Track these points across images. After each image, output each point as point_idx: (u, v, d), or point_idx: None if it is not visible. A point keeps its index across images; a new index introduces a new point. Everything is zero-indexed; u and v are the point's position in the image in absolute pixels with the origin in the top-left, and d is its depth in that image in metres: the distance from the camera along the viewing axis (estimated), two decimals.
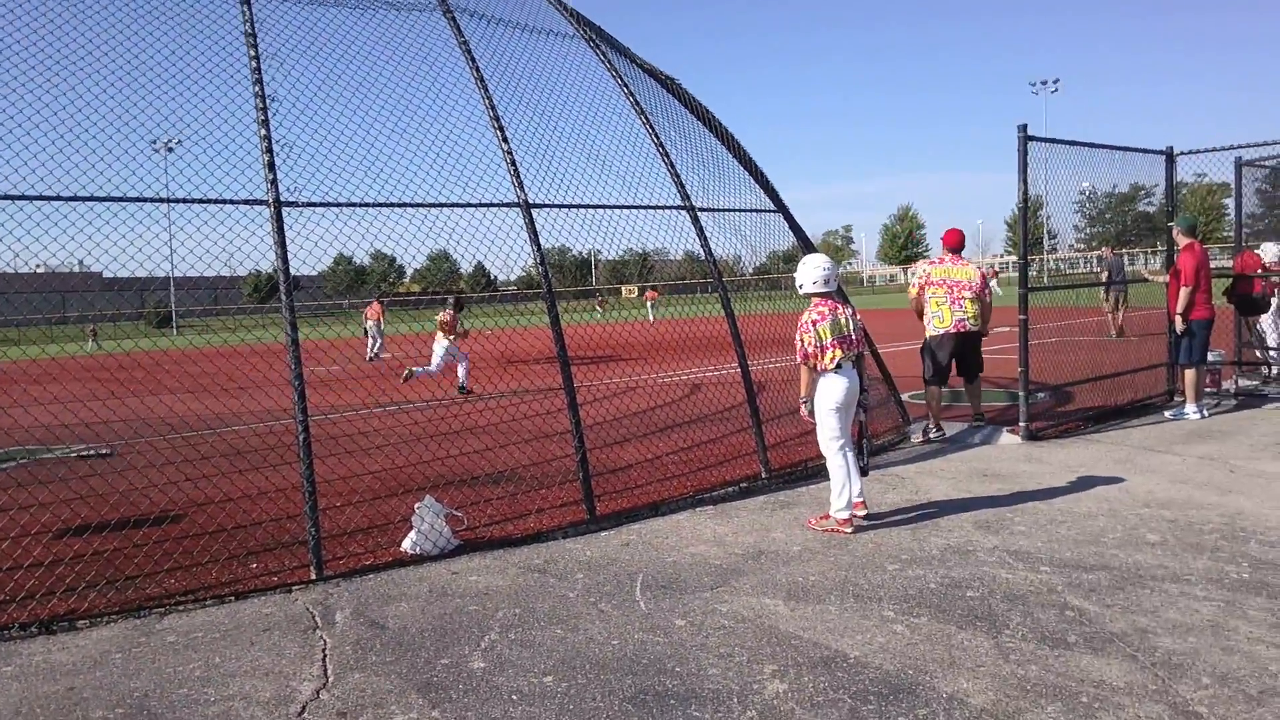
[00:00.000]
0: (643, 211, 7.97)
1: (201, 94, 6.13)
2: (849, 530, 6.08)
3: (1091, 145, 10.12)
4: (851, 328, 6.22)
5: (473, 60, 7.20)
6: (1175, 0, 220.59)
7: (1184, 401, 10.13)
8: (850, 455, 6.23)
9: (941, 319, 9.35)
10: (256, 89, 6.02)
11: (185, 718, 3.84)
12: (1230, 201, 12.44)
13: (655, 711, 3.72)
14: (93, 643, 4.69)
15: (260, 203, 5.88)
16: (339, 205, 6.24)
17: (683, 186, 8.14)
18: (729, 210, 8.93)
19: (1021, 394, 9.15)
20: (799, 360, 6.28)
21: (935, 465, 8.13)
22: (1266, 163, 12.60)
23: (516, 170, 7.00)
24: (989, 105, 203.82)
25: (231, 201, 5.84)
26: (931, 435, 9.20)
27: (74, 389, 14.37)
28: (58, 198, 5.32)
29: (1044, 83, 77.50)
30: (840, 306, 6.30)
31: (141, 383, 14.26)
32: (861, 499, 6.35)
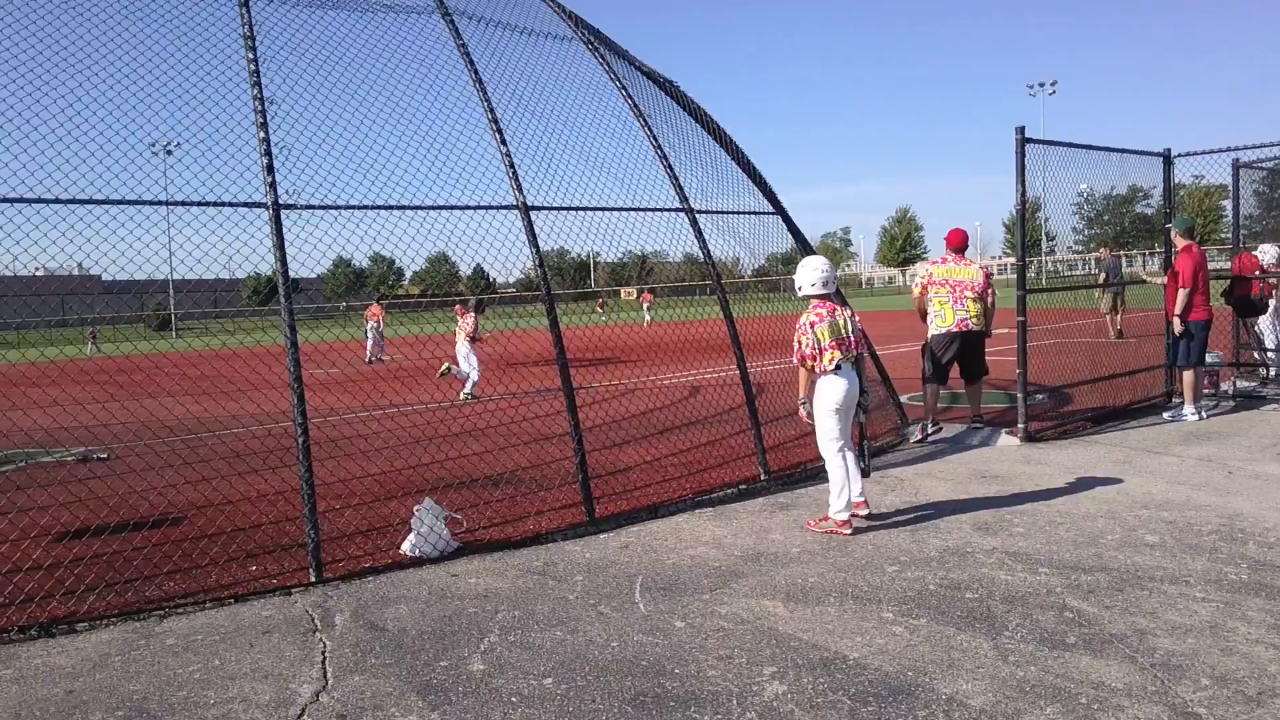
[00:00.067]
0: (641, 214, 7.98)
1: (200, 97, 6.14)
2: (848, 532, 6.09)
3: (1089, 147, 10.14)
4: (850, 329, 6.23)
5: (471, 63, 7.21)
6: (1173, 2, 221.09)
7: (1182, 403, 10.15)
8: (849, 457, 6.24)
9: (944, 318, 9.38)
10: (255, 92, 6.03)
11: None
12: (1228, 203, 12.43)
13: (655, 713, 3.72)
14: (92, 645, 4.69)
15: (259, 205, 5.88)
16: (338, 208, 6.25)
17: (681, 189, 8.14)
18: (727, 212, 8.94)
19: (1020, 395, 9.16)
20: (796, 361, 6.30)
21: (934, 467, 8.13)
22: (1264, 164, 12.61)
23: (515, 172, 7.01)
24: (986, 107, 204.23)
25: (230, 204, 5.84)
26: (929, 431, 9.23)
27: (74, 392, 14.36)
28: (56, 200, 5.32)
29: (1041, 84, 77.59)
30: (839, 308, 6.32)
31: (141, 385, 14.25)
32: (863, 499, 6.37)
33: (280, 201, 5.91)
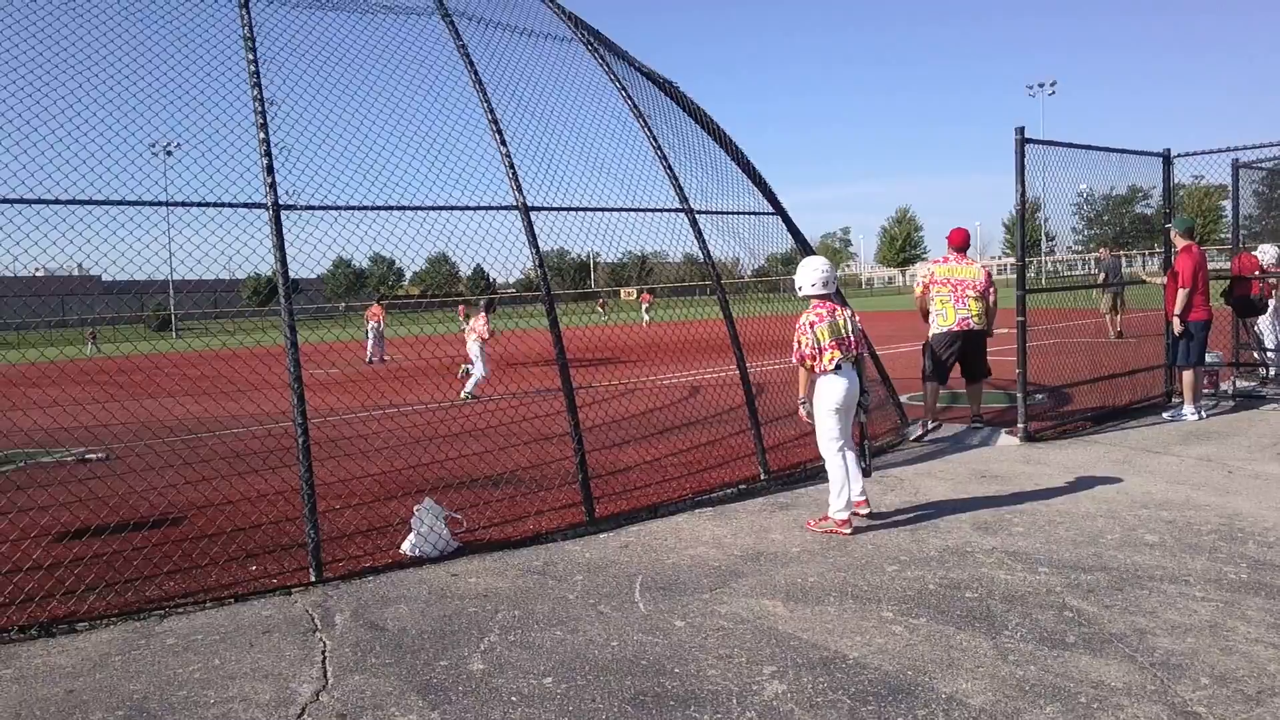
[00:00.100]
0: (641, 214, 7.99)
1: (200, 98, 6.14)
2: (848, 531, 6.10)
3: (1089, 148, 10.14)
4: (850, 329, 6.24)
5: (471, 64, 7.21)
6: (1173, 2, 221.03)
7: (1182, 403, 10.15)
8: (850, 456, 6.25)
9: (945, 317, 9.42)
10: (255, 93, 6.03)
11: None
12: (1228, 203, 12.44)
13: (655, 712, 3.73)
14: (92, 645, 4.69)
15: (259, 206, 5.89)
16: (338, 208, 6.25)
17: (681, 189, 8.15)
18: (727, 213, 8.95)
19: (1020, 395, 9.17)
20: (795, 361, 6.31)
21: (934, 466, 8.14)
22: (1263, 164, 12.61)
23: (515, 173, 7.01)
24: (986, 107, 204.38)
25: (230, 205, 5.85)
26: (928, 426, 9.28)
27: (74, 392, 14.36)
28: (56, 201, 5.33)
29: (1041, 85, 77.57)
30: (839, 308, 6.34)
31: (141, 386, 14.26)
32: (864, 498, 6.39)
33: (280, 202, 5.92)
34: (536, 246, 6.91)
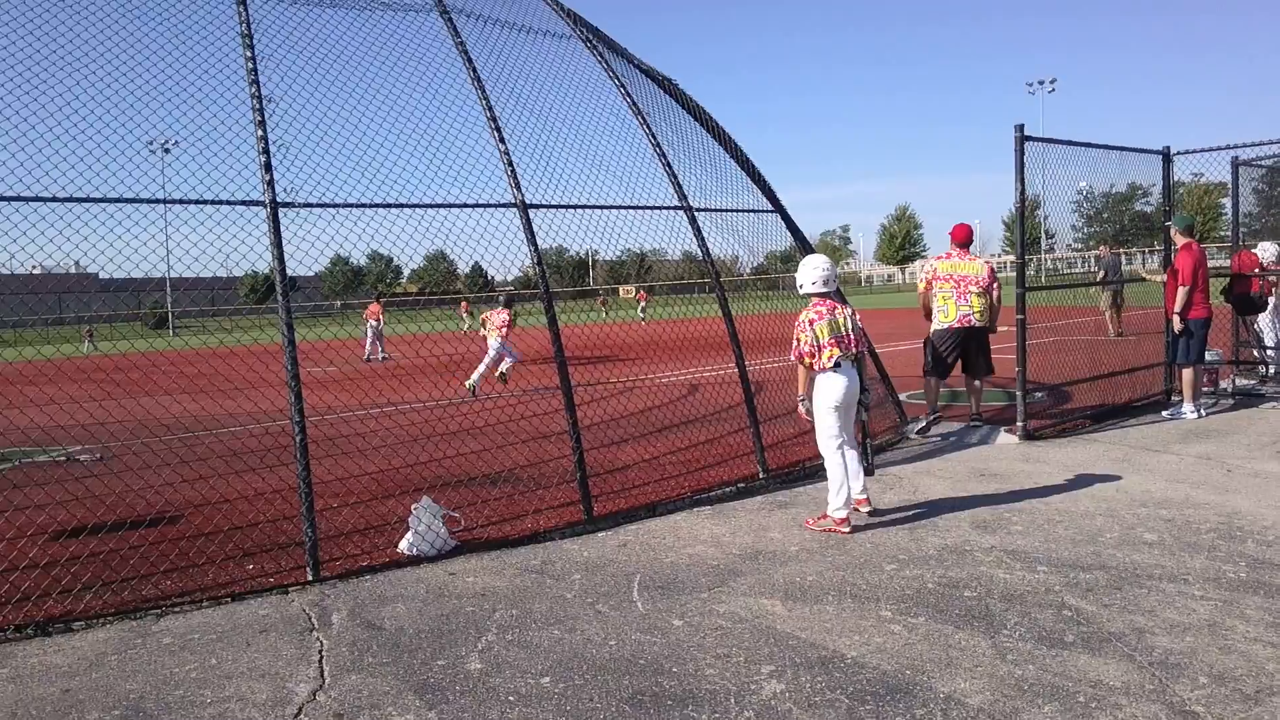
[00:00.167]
0: (640, 212, 7.97)
1: (198, 95, 6.12)
2: (846, 530, 6.09)
3: (1088, 145, 10.12)
4: (849, 328, 6.23)
5: (469, 61, 7.20)
6: (1172, 2, 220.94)
7: (1181, 401, 10.14)
8: (849, 454, 6.25)
9: (946, 313, 9.43)
10: (253, 90, 6.01)
11: (181, 719, 3.83)
12: (1227, 201, 12.44)
13: (653, 712, 3.72)
14: (89, 644, 4.68)
15: (257, 203, 5.87)
16: (335, 206, 6.23)
17: (680, 187, 8.13)
18: (726, 210, 8.93)
19: (1019, 393, 9.16)
20: (794, 359, 6.31)
21: (933, 465, 8.13)
22: (1263, 162, 12.61)
23: (514, 170, 7.00)
24: (986, 105, 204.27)
25: (228, 202, 5.83)
26: (931, 418, 9.35)
27: (70, 390, 14.34)
28: (54, 199, 5.31)
29: (1040, 83, 77.52)
30: (839, 306, 6.33)
31: (138, 384, 14.24)
32: (865, 496, 6.40)
33: (278, 199, 5.90)
34: (535, 244, 6.90)
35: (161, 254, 6.50)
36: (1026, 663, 4.03)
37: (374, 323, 25.03)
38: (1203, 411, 10.00)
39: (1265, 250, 11.82)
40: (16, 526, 6.65)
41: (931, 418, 9.37)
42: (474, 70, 7.16)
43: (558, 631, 4.62)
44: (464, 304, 41.60)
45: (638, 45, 9.14)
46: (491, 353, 15.45)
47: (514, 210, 6.92)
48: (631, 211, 7.89)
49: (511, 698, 3.90)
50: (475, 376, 14.87)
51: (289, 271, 5.87)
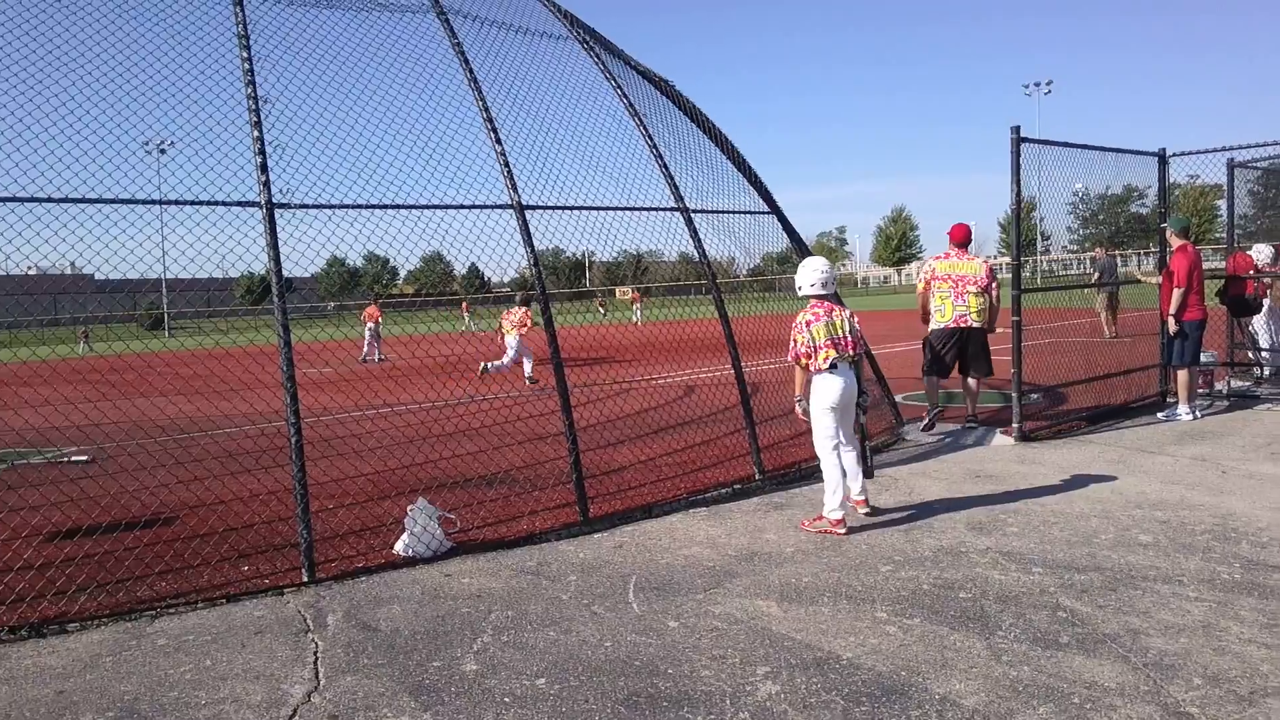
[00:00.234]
0: (637, 213, 7.97)
1: (194, 96, 6.12)
2: (842, 531, 6.09)
3: (1084, 147, 10.14)
4: (846, 329, 6.25)
5: (466, 62, 7.19)
6: (1168, 2, 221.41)
7: (1177, 403, 10.16)
8: (845, 456, 6.27)
9: (943, 313, 9.51)
10: (249, 90, 6.00)
11: None
12: (1223, 203, 12.48)
13: (648, 713, 3.72)
14: (83, 646, 4.67)
15: (253, 204, 5.86)
16: (332, 207, 6.23)
17: (676, 188, 8.14)
18: (723, 212, 8.94)
19: (1015, 395, 9.17)
20: (791, 360, 6.32)
21: (928, 466, 8.14)
22: (1259, 164, 12.65)
23: (510, 172, 7.00)
24: (982, 107, 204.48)
25: (224, 203, 5.82)
26: (932, 415, 9.53)
27: (66, 391, 14.32)
28: (49, 199, 5.30)
29: (1037, 84, 77.64)
30: (836, 308, 6.35)
31: (133, 385, 14.22)
32: (863, 497, 6.43)
33: (274, 200, 5.89)
34: (531, 245, 6.90)
35: (157, 255, 6.49)
36: (1021, 664, 4.03)
37: (372, 325, 25.04)
38: (1198, 413, 10.02)
39: (1260, 252, 11.85)
40: (11, 528, 6.63)
41: (934, 413, 9.51)
42: (470, 71, 7.16)
43: (553, 633, 4.62)
44: (464, 304, 41.62)
45: (638, 45, 9.15)
46: (511, 351, 15.59)
47: (510, 211, 6.92)
48: (628, 213, 7.89)
49: (507, 699, 3.90)
50: (494, 365, 14.99)
51: (285, 272, 5.86)
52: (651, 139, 8.19)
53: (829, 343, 6.14)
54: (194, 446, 10.32)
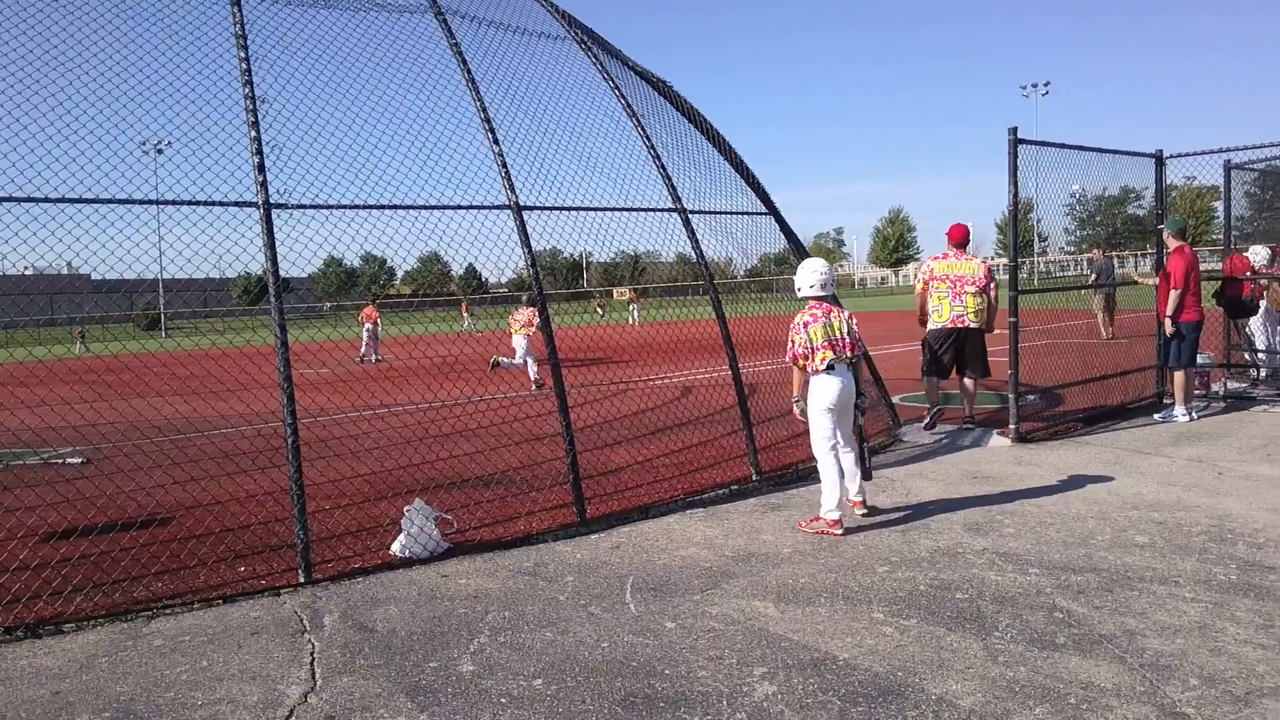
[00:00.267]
0: (634, 214, 7.98)
1: (191, 95, 6.12)
2: (839, 532, 6.10)
3: (1081, 148, 10.15)
4: (844, 331, 6.26)
5: (464, 62, 7.19)
6: (1164, 3, 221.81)
7: (1173, 404, 10.17)
8: (845, 457, 6.29)
9: (940, 313, 9.56)
10: (246, 90, 6.00)
11: None
12: (1219, 204, 12.49)
13: (645, 714, 3.72)
14: (79, 646, 4.66)
15: (250, 205, 5.86)
16: (329, 207, 6.23)
17: (674, 189, 8.14)
18: (720, 213, 8.94)
19: (1011, 396, 9.18)
20: (789, 361, 6.34)
21: (925, 467, 8.14)
22: (1255, 165, 12.66)
23: (508, 172, 7.00)
24: (979, 108, 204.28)
25: (221, 204, 5.82)
26: (932, 415, 9.62)
27: (62, 391, 14.30)
28: (46, 199, 5.29)
29: (1034, 85, 77.63)
30: (835, 310, 6.37)
31: (130, 385, 14.21)
32: (860, 498, 6.44)
33: (271, 201, 5.89)
34: (529, 246, 6.90)
35: (154, 255, 6.47)
36: (1018, 664, 4.04)
37: (370, 325, 25.05)
38: (1194, 414, 10.04)
39: (1257, 254, 11.87)
40: (7, 529, 6.62)
41: (934, 412, 9.61)
42: (468, 72, 7.16)
43: (550, 633, 4.61)
44: (464, 305, 41.62)
45: (637, 45, 9.15)
46: (520, 352, 15.71)
47: (508, 212, 6.92)
48: (626, 213, 7.90)
49: (503, 700, 3.90)
50: (506, 361, 15.08)
51: (282, 273, 5.86)
52: (649, 139, 8.19)
53: (826, 344, 6.16)
54: (190, 447, 10.31)
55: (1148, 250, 12.64)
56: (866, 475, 6.47)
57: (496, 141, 7.04)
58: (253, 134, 5.92)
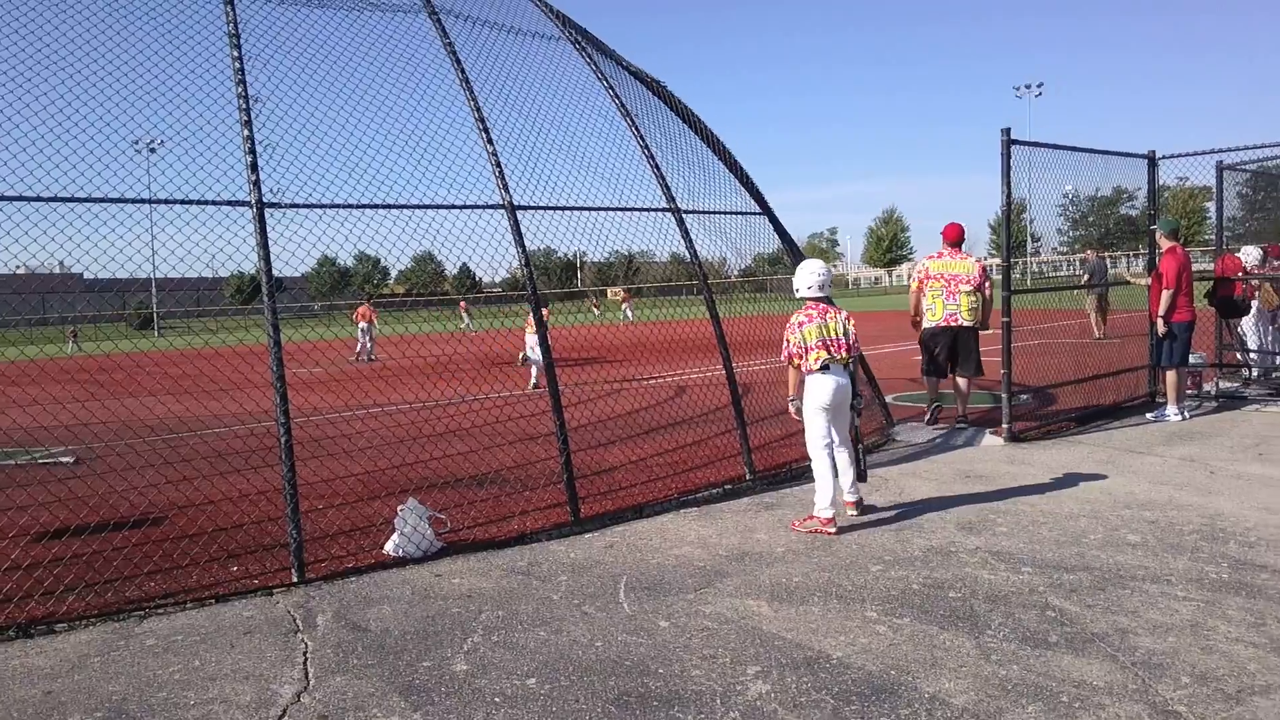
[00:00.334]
0: (628, 214, 7.97)
1: (184, 94, 6.10)
2: (832, 530, 6.11)
3: (1074, 149, 10.18)
4: (840, 332, 6.29)
5: (458, 62, 7.18)
6: (1158, 4, 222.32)
7: (1165, 403, 10.21)
8: (840, 456, 6.33)
9: (934, 312, 9.62)
10: (239, 89, 5.99)
11: None
12: (1212, 205, 12.53)
13: (638, 713, 3.72)
14: (71, 646, 4.65)
15: (243, 204, 5.84)
16: (322, 206, 6.21)
17: (668, 189, 8.14)
18: (714, 212, 8.94)
19: (1004, 395, 9.20)
20: (784, 360, 6.37)
21: (919, 467, 8.16)
22: (1247, 166, 12.71)
23: (501, 172, 6.99)
24: (973, 108, 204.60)
25: (214, 203, 5.80)
26: (931, 412, 9.75)
27: (54, 391, 14.24)
28: (38, 198, 5.27)
29: (1028, 86, 77.92)
30: (832, 310, 6.40)
31: (122, 385, 14.16)
32: (855, 499, 6.47)
33: (264, 200, 5.88)
34: (523, 246, 6.89)
35: (147, 254, 6.46)
36: (1010, 663, 4.05)
37: (364, 324, 25.02)
38: (1186, 414, 10.07)
39: (1248, 254, 11.92)
40: None
41: (933, 408, 9.75)
42: (462, 71, 7.15)
43: (544, 633, 4.61)
44: (462, 304, 41.55)
45: (637, 45, 9.15)
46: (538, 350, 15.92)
47: (502, 211, 6.91)
48: (620, 213, 7.90)
49: (497, 699, 3.90)
50: (534, 377, 15.30)
51: (275, 272, 5.85)
52: (643, 139, 8.19)
53: (820, 344, 6.19)
54: (183, 446, 10.28)
55: (1140, 250, 12.68)
56: (861, 476, 6.51)
57: (490, 141, 7.03)
58: (246, 133, 5.91)
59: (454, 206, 6.78)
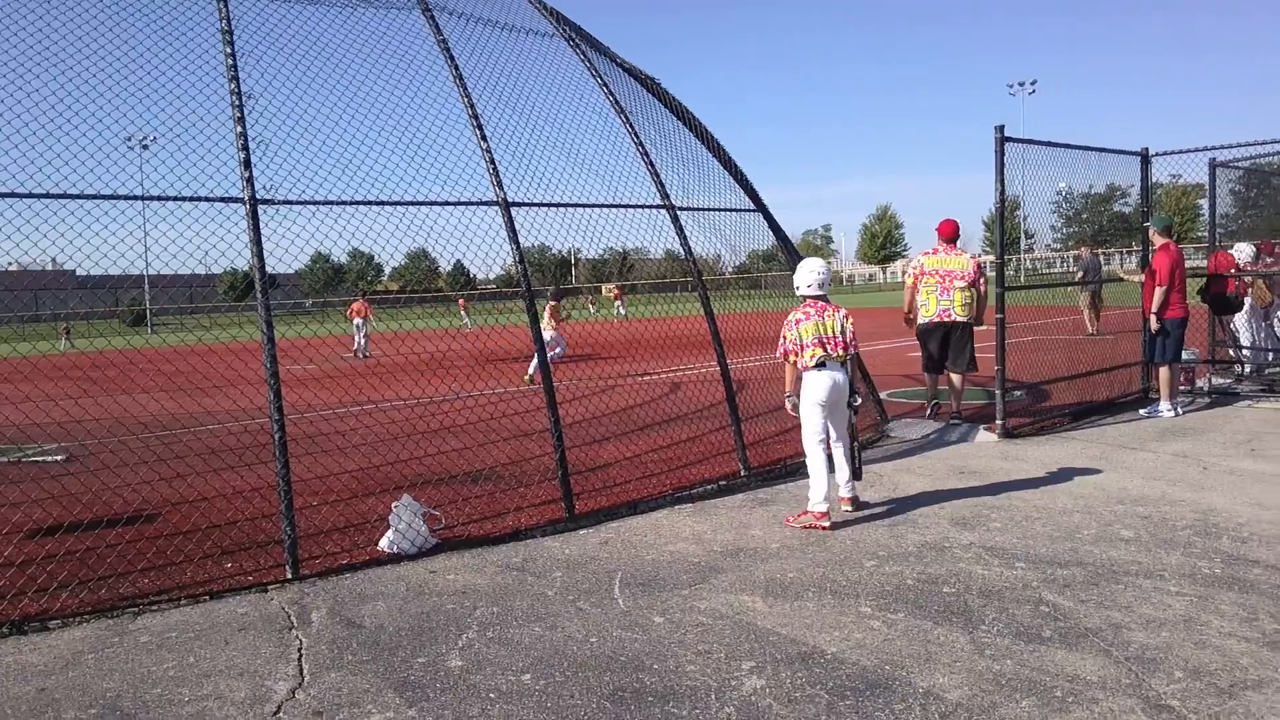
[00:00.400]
0: (623, 210, 7.97)
1: (177, 91, 6.08)
2: (826, 525, 6.12)
3: (1068, 146, 10.20)
4: (836, 330, 6.31)
5: (451, 58, 7.17)
6: (1152, 2, 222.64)
7: (1159, 400, 10.24)
8: (837, 451, 6.36)
9: (928, 308, 9.67)
10: (232, 86, 5.97)
11: (159, 718, 3.80)
12: (1205, 202, 12.58)
13: (633, 708, 3.72)
14: (65, 643, 4.64)
15: (236, 200, 5.83)
16: (315, 203, 6.20)
17: (663, 186, 8.14)
18: (709, 210, 8.95)
19: (998, 392, 9.22)
20: (780, 356, 6.40)
21: (913, 463, 8.17)
22: (1240, 164, 12.75)
23: (495, 169, 6.98)
24: (967, 106, 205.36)
25: (207, 199, 5.79)
26: (931, 408, 9.85)
27: (47, 388, 14.20)
28: (30, 195, 5.25)
29: (1021, 84, 78.15)
30: (829, 308, 6.42)
31: (115, 381, 14.12)
32: (850, 495, 6.50)
33: (257, 196, 5.86)
34: (517, 242, 6.89)
35: (140, 251, 6.45)
36: (1004, 658, 4.06)
37: (359, 321, 25.01)
38: (1179, 410, 10.10)
39: (1241, 251, 11.96)
40: None
41: (932, 404, 9.86)
42: (456, 68, 7.14)
43: (539, 629, 4.62)
44: (461, 302, 41.47)
45: (637, 45, 9.14)
46: (559, 346, 15.88)
47: (496, 208, 6.91)
48: (614, 210, 7.89)
49: (492, 695, 3.90)
50: (532, 370, 15.32)
51: (269, 269, 5.84)
52: (637, 136, 8.18)
53: (816, 341, 6.22)
54: (176, 443, 10.26)
55: (1134, 247, 12.70)
56: (856, 474, 6.53)
57: (484, 138, 7.02)
58: (239, 129, 5.89)
59: (448, 203, 6.77)
